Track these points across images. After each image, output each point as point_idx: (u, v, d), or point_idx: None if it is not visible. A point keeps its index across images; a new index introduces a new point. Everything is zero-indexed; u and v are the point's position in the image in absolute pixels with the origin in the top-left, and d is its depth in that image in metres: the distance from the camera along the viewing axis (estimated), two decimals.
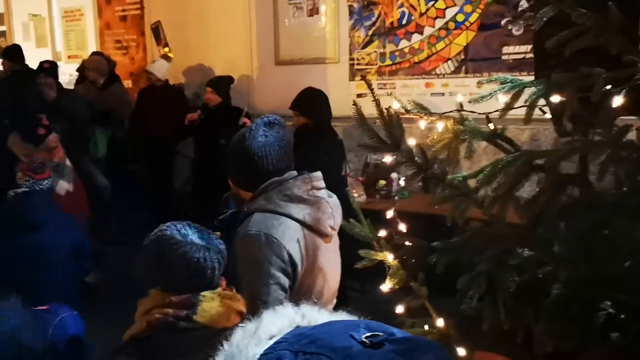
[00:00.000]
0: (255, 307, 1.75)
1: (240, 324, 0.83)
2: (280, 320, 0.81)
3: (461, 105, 1.73)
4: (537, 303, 1.61)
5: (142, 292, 1.91)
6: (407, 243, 1.89)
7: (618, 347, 1.59)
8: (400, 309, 2.00)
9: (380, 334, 0.73)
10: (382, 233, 1.99)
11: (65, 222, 3.44)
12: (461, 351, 1.85)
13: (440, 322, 1.89)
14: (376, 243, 2.00)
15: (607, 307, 1.58)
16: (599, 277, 1.62)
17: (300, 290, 1.97)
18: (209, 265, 1.58)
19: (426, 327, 1.92)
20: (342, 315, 0.85)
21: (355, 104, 1.68)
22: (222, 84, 5.52)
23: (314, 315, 0.83)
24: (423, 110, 1.70)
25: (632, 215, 1.62)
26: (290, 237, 1.92)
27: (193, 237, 1.60)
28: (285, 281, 1.92)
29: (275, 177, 1.96)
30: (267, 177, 1.96)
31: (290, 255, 1.91)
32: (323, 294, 2.05)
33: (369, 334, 0.72)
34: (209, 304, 1.57)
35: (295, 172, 2.02)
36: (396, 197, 4.58)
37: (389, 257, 1.95)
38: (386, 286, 1.97)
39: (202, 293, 1.58)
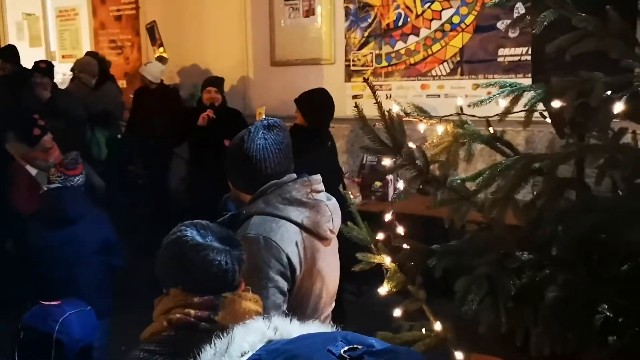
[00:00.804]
0: None
1: (209, 345, 0.80)
2: (252, 335, 0.79)
3: (461, 108, 1.73)
4: (535, 306, 1.62)
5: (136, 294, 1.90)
6: (405, 246, 1.89)
7: (615, 350, 1.60)
8: (397, 312, 2.00)
9: (359, 347, 0.71)
10: (380, 236, 1.99)
11: (99, 217, 3.50)
12: (459, 355, 1.86)
13: (437, 326, 1.89)
14: (374, 246, 2.00)
15: (604, 310, 1.59)
16: (597, 280, 1.63)
17: (298, 294, 1.96)
18: (230, 268, 1.56)
19: (424, 331, 1.93)
20: (315, 326, 0.83)
21: (356, 106, 1.68)
22: (221, 83, 5.48)
23: (286, 327, 0.81)
24: (423, 113, 1.70)
25: (629, 219, 1.63)
26: (289, 240, 1.91)
27: (213, 238, 1.58)
28: (284, 285, 1.90)
29: (275, 180, 1.95)
30: (266, 180, 1.95)
31: (289, 259, 1.90)
32: (322, 297, 2.04)
33: (347, 348, 0.71)
34: (230, 306, 1.55)
35: (294, 175, 2.01)
36: (396, 200, 4.59)
37: (387, 260, 1.96)
38: (384, 289, 1.97)
39: (224, 294, 1.56)
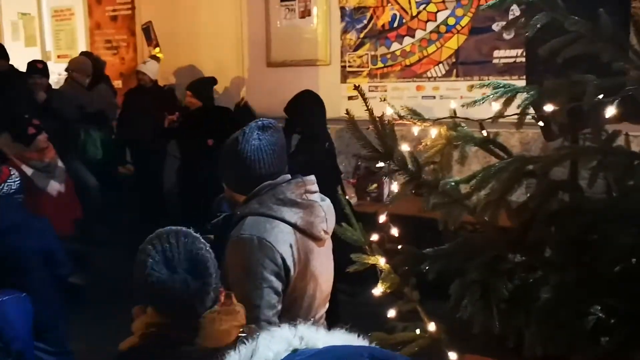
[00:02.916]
0: (249, 311, 1.75)
1: (233, 351, 0.79)
2: (277, 343, 0.78)
3: (454, 111, 1.74)
4: (527, 307, 1.63)
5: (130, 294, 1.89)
6: (399, 247, 1.90)
7: (607, 351, 1.61)
8: (391, 313, 2.01)
9: None
10: (375, 237, 1.99)
11: (36, 227, 3.20)
12: (452, 355, 1.86)
13: (431, 326, 1.90)
14: (368, 247, 2.01)
15: (596, 312, 1.60)
16: (589, 282, 1.64)
17: (292, 294, 1.97)
18: (193, 295, 1.53)
19: (417, 331, 1.93)
20: (340, 336, 0.82)
21: (347, 112, 1.69)
22: (202, 86, 5.46)
23: (312, 336, 0.79)
24: (416, 116, 1.71)
25: (621, 221, 1.64)
26: (283, 240, 1.91)
27: (179, 261, 1.53)
28: (278, 285, 1.91)
29: (269, 181, 1.96)
30: (260, 181, 1.96)
31: (283, 259, 1.89)
32: (315, 298, 2.05)
33: None
34: (211, 326, 1.53)
35: (288, 176, 2.01)
36: (391, 204, 4.60)
37: (381, 261, 1.96)
38: (378, 290, 1.98)
39: (203, 315, 1.54)
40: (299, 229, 1.95)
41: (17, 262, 3.04)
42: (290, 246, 1.93)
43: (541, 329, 1.63)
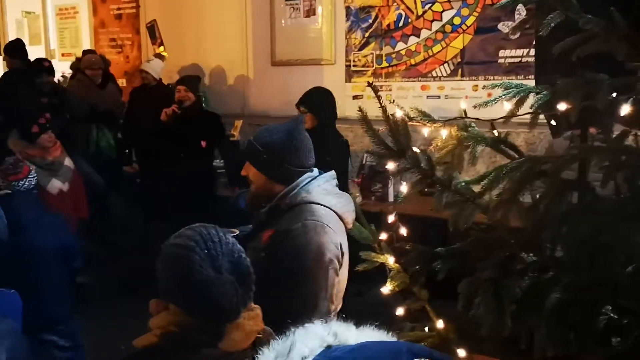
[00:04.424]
0: (310, 292, 1.90)
1: (265, 347, 0.79)
2: (312, 340, 0.78)
3: (465, 112, 1.73)
4: (538, 308, 1.62)
5: (142, 293, 1.88)
6: (407, 247, 1.89)
7: (618, 352, 1.60)
8: (400, 311, 2.00)
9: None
10: (383, 236, 1.99)
11: (52, 223, 3.34)
12: (461, 352, 1.86)
13: (440, 325, 1.89)
14: (377, 246, 2.00)
15: (608, 312, 1.59)
16: (600, 282, 1.63)
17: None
18: (235, 303, 1.46)
19: (426, 331, 1.93)
20: (371, 333, 0.82)
21: (361, 110, 1.68)
22: (194, 82, 5.43)
23: (345, 333, 0.80)
24: (426, 117, 1.70)
25: (633, 221, 1.63)
26: (337, 226, 2.03)
27: (224, 261, 1.46)
28: (337, 267, 2.02)
29: (308, 173, 2.07)
30: (304, 172, 2.07)
31: (340, 245, 2.02)
32: (341, 290, 2.12)
33: None
34: (235, 331, 1.48)
35: (316, 170, 2.13)
36: (400, 202, 4.59)
37: (390, 260, 1.96)
38: (386, 289, 1.97)
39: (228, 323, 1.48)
40: (340, 217, 2.06)
41: (34, 257, 3.17)
42: (343, 235, 2.06)
43: (552, 329, 1.62)
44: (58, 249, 3.29)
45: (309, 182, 2.05)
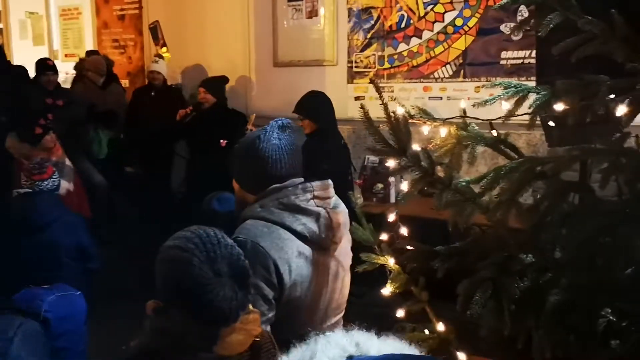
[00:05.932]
0: None
1: (284, 355, 0.78)
2: (333, 349, 0.77)
3: (464, 111, 1.73)
4: (537, 309, 1.61)
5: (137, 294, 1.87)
6: (408, 247, 1.89)
7: (617, 354, 1.59)
8: (400, 313, 2.00)
9: None
10: (384, 237, 1.99)
11: (72, 222, 3.42)
12: (461, 356, 1.86)
13: (440, 327, 1.89)
14: (377, 247, 2.00)
15: (607, 315, 1.59)
16: (600, 284, 1.62)
17: (291, 303, 1.88)
18: (234, 308, 1.44)
19: (426, 332, 1.93)
20: (393, 343, 0.81)
21: (362, 107, 1.68)
22: (216, 84, 5.49)
23: (366, 343, 0.79)
24: (426, 115, 1.70)
25: (632, 222, 1.63)
26: (278, 247, 1.82)
27: (224, 263, 1.43)
28: (268, 292, 1.81)
29: (276, 184, 1.88)
30: (273, 182, 1.89)
31: (276, 266, 1.81)
32: (319, 309, 1.96)
33: None
34: (230, 336, 1.46)
35: (298, 180, 1.92)
36: (402, 202, 4.60)
37: (390, 261, 1.95)
38: (387, 290, 1.97)
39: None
40: (301, 236, 1.86)
41: (55, 255, 3.21)
42: (287, 253, 1.83)
43: (551, 331, 1.62)
44: (77, 248, 3.36)
45: (272, 194, 1.87)
